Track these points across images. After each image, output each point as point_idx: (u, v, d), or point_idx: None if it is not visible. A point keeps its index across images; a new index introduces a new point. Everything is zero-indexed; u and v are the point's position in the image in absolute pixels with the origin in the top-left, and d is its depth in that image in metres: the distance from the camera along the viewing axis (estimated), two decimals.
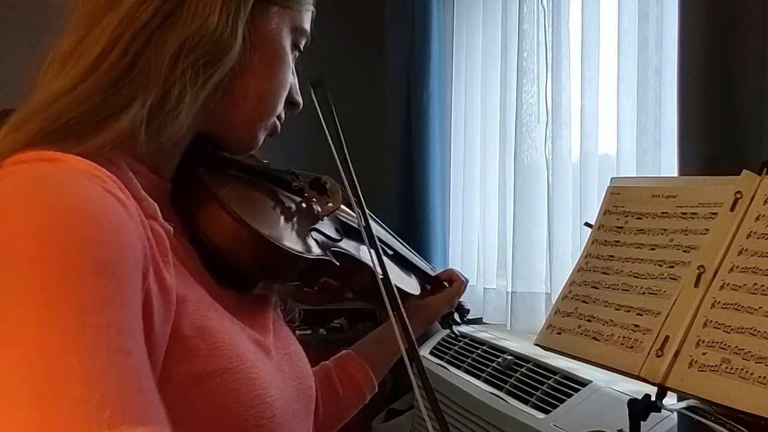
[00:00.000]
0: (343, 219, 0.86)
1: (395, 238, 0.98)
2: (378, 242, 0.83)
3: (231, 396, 0.59)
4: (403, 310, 0.74)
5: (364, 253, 0.83)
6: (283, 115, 0.74)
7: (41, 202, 0.48)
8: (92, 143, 0.56)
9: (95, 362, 0.42)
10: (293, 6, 0.70)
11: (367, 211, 0.79)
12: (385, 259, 0.84)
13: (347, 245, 0.81)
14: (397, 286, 0.84)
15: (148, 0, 0.60)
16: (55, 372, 0.41)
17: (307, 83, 0.78)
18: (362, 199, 0.79)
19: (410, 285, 0.97)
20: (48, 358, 0.41)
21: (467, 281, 1.11)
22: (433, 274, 1.06)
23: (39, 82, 0.61)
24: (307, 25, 0.73)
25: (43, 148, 0.54)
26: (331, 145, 0.77)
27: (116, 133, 0.57)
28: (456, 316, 1.13)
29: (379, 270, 0.76)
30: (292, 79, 0.74)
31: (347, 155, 0.78)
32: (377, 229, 0.90)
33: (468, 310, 1.16)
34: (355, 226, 0.84)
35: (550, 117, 1.83)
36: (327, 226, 0.80)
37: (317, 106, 0.78)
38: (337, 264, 0.77)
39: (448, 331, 2.10)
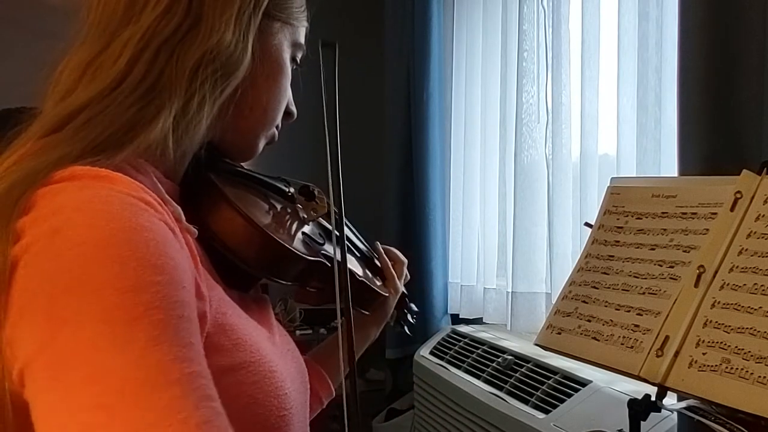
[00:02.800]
0: (323, 224, 0.91)
1: (353, 231, 0.99)
2: (349, 244, 0.89)
3: (256, 387, 0.62)
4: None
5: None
6: (280, 125, 0.78)
7: (119, 248, 0.51)
8: (127, 152, 0.59)
9: (202, 413, 0.47)
10: (293, 22, 0.75)
11: (334, 209, 0.85)
12: (357, 261, 0.92)
13: (330, 249, 0.86)
14: (372, 288, 0.92)
15: (168, 16, 0.63)
16: (172, 425, 0.45)
17: (318, 43, 0.81)
18: (341, 194, 0.83)
19: (380, 288, 0.99)
20: (162, 411, 0.46)
21: (405, 264, 1.07)
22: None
23: (50, 89, 0.64)
24: (303, 40, 0.77)
25: (89, 159, 0.57)
26: (324, 112, 0.82)
27: (149, 142, 0.61)
28: (408, 317, 1.14)
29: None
30: (289, 91, 0.78)
31: (338, 126, 0.82)
32: (347, 230, 0.94)
33: (417, 312, 1.17)
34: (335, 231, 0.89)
35: (550, 117, 1.83)
36: (311, 231, 0.84)
37: (321, 66, 0.82)
38: (329, 266, 0.82)
39: (448, 330, 2.13)
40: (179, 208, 0.62)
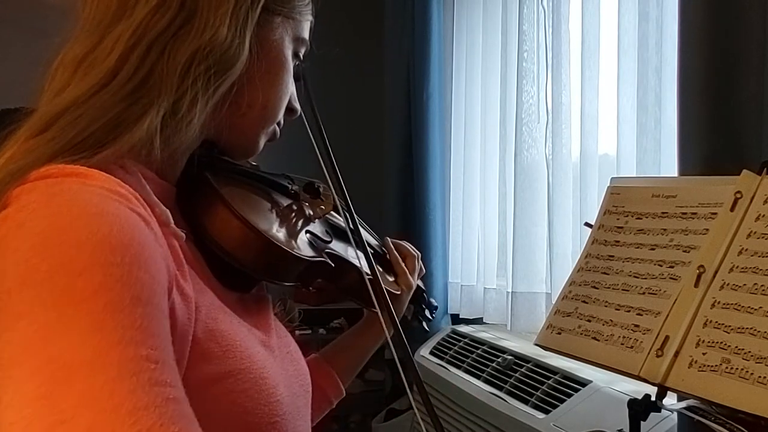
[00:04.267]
0: (332, 221, 0.88)
1: (362, 225, 0.97)
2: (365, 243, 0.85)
3: (245, 395, 0.61)
4: (393, 310, 0.77)
5: (352, 254, 0.86)
6: (282, 122, 0.76)
7: (77, 232, 0.49)
8: (110, 151, 0.57)
9: (138, 397, 0.44)
10: (295, 17, 0.72)
11: (340, 204, 0.82)
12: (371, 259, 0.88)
13: (337, 246, 0.84)
14: (385, 288, 0.87)
15: (161, 11, 0.61)
16: (101, 410, 0.42)
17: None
18: (347, 197, 0.81)
19: (392, 285, 0.98)
20: (92, 396, 0.43)
21: (419, 256, 1.04)
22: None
23: (46, 86, 0.62)
24: (307, 35, 0.75)
25: (67, 158, 0.55)
26: (314, 142, 0.80)
27: (134, 141, 0.59)
28: (426, 312, 1.12)
29: (367, 270, 0.79)
30: (291, 87, 0.75)
31: (330, 151, 0.80)
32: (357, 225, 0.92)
33: (436, 307, 1.14)
34: (343, 227, 0.87)
35: (550, 117, 1.83)
36: (318, 228, 0.82)
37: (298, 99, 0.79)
38: (332, 265, 0.80)
39: (449, 330, 2.12)
40: (167, 210, 0.60)
